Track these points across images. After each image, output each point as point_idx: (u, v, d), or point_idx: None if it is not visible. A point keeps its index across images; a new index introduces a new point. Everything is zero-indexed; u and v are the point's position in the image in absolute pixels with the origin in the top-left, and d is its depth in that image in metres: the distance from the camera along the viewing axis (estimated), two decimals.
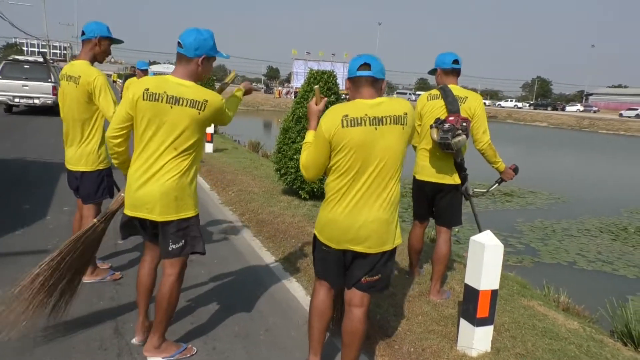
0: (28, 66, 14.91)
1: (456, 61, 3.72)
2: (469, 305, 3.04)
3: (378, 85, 2.43)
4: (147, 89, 2.54)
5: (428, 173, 3.80)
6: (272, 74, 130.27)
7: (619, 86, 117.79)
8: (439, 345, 3.19)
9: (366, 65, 2.40)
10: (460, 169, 3.74)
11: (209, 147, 10.91)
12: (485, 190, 4.31)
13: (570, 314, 4.39)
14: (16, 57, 17.44)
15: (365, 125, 2.34)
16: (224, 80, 3.10)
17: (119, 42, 3.63)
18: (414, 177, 3.95)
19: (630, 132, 44.40)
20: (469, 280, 3.04)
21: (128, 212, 2.71)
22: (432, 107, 3.74)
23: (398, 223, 2.53)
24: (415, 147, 3.92)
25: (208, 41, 2.59)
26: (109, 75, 18.03)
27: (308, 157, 2.50)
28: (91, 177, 3.58)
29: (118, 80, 30.47)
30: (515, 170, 3.93)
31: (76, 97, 3.43)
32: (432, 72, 3.88)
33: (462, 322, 3.11)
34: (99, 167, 3.59)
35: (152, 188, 2.59)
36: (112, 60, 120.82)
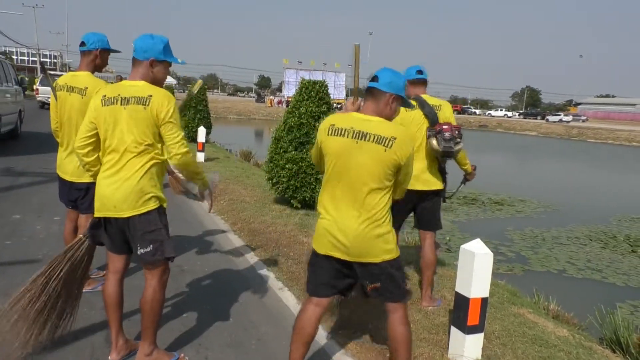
0: (56, 78, 15.43)
1: (420, 71, 3.89)
2: (460, 313, 3.07)
3: (383, 100, 2.47)
4: (105, 95, 2.64)
5: (413, 182, 3.74)
6: (264, 83, 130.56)
7: (607, 95, 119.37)
8: (430, 353, 3.20)
9: (374, 78, 2.50)
10: (443, 172, 3.89)
11: (200, 157, 10.93)
12: (454, 191, 4.41)
13: (559, 321, 4.44)
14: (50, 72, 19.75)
15: (347, 137, 2.44)
16: (191, 88, 3.17)
17: (117, 52, 3.69)
18: None
19: (619, 140, 44.96)
20: (460, 288, 3.07)
21: (96, 213, 2.71)
22: (412, 117, 3.79)
23: (388, 239, 2.50)
24: None
25: (157, 45, 2.64)
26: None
27: (313, 156, 2.75)
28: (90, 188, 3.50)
29: None
30: (475, 169, 4.14)
31: (82, 109, 3.34)
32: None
33: (453, 330, 3.14)
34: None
35: (116, 187, 2.62)
36: (104, 69, 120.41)
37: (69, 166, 3.57)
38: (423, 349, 3.25)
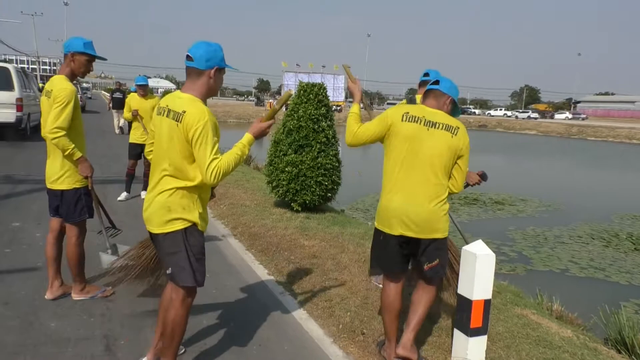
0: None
1: (426, 74, 4.16)
2: (463, 315, 3.04)
3: (442, 100, 2.91)
4: (159, 105, 2.61)
5: None
6: (263, 87, 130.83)
7: (606, 93, 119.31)
8: (434, 356, 3.18)
9: (436, 82, 2.95)
10: None
11: None
12: None
13: (563, 322, 4.40)
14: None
15: (420, 124, 2.83)
16: (279, 100, 2.91)
17: (98, 58, 3.55)
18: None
19: (619, 138, 44.89)
20: (462, 290, 3.04)
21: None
22: None
23: (447, 218, 2.90)
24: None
25: (218, 52, 2.54)
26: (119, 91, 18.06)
27: (362, 127, 2.99)
28: (69, 195, 3.52)
29: (105, 93, 31.07)
30: (483, 176, 3.95)
31: (47, 111, 3.41)
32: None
33: (456, 332, 3.11)
34: (75, 186, 3.53)
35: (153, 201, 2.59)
36: (102, 75, 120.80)
37: (47, 171, 3.57)
38: (426, 352, 3.23)
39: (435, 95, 2.93)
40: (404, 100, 4.19)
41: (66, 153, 3.37)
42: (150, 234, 2.68)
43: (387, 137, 2.92)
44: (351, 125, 3.05)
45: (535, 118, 69.75)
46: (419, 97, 4.04)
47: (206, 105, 2.55)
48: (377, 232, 3.01)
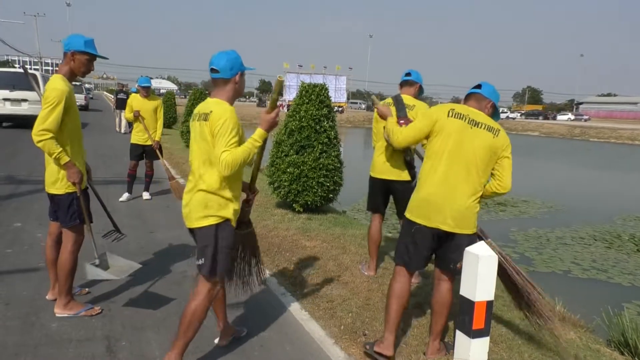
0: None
1: (408, 74, 4.37)
2: (465, 316, 3.02)
3: (483, 103, 3.07)
4: (193, 112, 2.82)
5: (380, 170, 4.31)
6: (265, 88, 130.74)
7: (609, 95, 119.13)
8: (436, 357, 3.16)
9: (478, 86, 3.11)
10: (410, 166, 4.24)
11: None
12: None
13: (566, 323, 4.37)
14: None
15: (464, 121, 2.97)
16: (273, 89, 2.90)
17: (99, 57, 3.45)
18: (370, 175, 4.44)
19: (621, 139, 44.81)
20: (464, 291, 3.03)
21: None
22: None
23: (477, 215, 3.02)
24: (374, 147, 4.46)
25: (238, 59, 2.76)
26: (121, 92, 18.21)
27: (408, 126, 3.20)
28: (62, 200, 3.39)
29: (108, 94, 31.34)
30: None
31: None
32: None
33: (458, 334, 3.09)
34: (68, 190, 3.38)
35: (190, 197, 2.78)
36: (105, 76, 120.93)
37: (46, 175, 3.43)
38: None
39: (477, 98, 3.09)
40: (389, 99, 4.29)
41: (53, 157, 3.22)
42: (190, 229, 2.84)
43: (432, 133, 3.05)
44: (394, 127, 3.36)
45: (514, 118, 69.95)
46: (405, 97, 4.20)
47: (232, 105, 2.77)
48: (410, 224, 3.09)
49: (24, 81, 14.15)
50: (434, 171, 3.00)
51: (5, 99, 15.32)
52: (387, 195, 4.43)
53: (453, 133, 2.97)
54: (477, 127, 2.96)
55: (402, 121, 3.88)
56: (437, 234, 3.00)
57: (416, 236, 3.05)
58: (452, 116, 3.01)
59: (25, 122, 14.68)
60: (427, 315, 3.78)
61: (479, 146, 2.93)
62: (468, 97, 3.14)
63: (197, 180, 2.73)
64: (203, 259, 2.73)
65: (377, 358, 3.06)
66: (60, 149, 3.22)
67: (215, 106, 2.67)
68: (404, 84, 4.37)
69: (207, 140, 2.65)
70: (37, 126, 3.15)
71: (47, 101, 3.18)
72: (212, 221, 2.71)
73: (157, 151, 7.35)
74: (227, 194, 2.74)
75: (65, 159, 3.26)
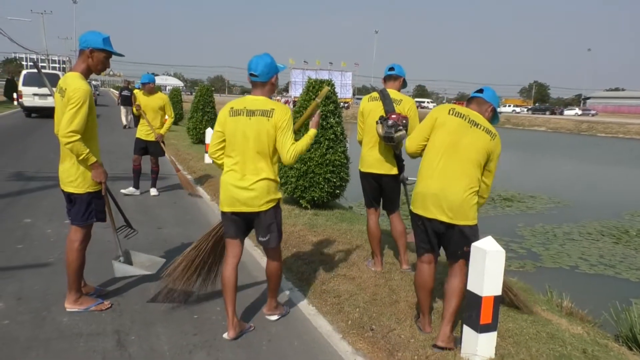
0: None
1: (391, 69, 4.42)
2: (472, 311, 3.03)
3: (484, 107, 3.25)
4: (232, 108, 3.14)
5: (369, 165, 4.37)
6: None
7: (616, 89, 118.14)
8: (443, 352, 3.17)
9: (480, 90, 3.32)
10: (399, 160, 4.31)
11: (208, 158, 10.89)
12: (415, 179, 4.64)
13: (573, 318, 4.38)
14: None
15: (465, 120, 3.15)
16: (319, 95, 3.64)
17: (117, 54, 3.48)
18: (359, 170, 4.51)
19: (629, 134, 44.47)
20: (471, 286, 3.03)
21: (226, 208, 3.20)
22: (373, 107, 4.35)
23: (477, 209, 3.19)
24: (360, 143, 4.51)
25: (274, 63, 3.15)
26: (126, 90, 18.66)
27: (412, 133, 3.45)
28: (82, 199, 3.39)
29: (114, 91, 32.36)
30: None
31: (61, 109, 3.24)
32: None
33: (466, 328, 3.10)
34: (89, 190, 3.38)
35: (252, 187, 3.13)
36: (111, 73, 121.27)
37: (61, 173, 3.43)
38: (435, 348, 3.22)
39: (479, 102, 3.27)
40: (374, 93, 4.42)
41: (80, 158, 3.23)
42: (242, 214, 3.18)
43: (432, 130, 3.24)
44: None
45: (518, 113, 70.00)
46: (391, 92, 4.33)
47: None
48: (415, 216, 3.30)
49: (49, 79, 14.48)
50: (432, 165, 3.17)
51: (35, 94, 19.12)
52: (379, 190, 4.49)
53: (452, 129, 3.14)
54: (477, 127, 3.13)
55: (394, 115, 4.06)
56: (438, 224, 3.16)
57: (421, 226, 3.27)
58: (452, 114, 3.19)
59: (50, 113, 15.67)
60: (439, 311, 3.80)
61: (476, 144, 3.09)
62: (470, 101, 3.32)
63: (255, 170, 3.10)
64: (269, 235, 3.24)
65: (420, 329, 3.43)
66: (88, 149, 3.23)
67: (274, 105, 3.11)
68: (387, 78, 4.43)
69: (269, 134, 3.07)
70: (65, 128, 3.13)
71: (72, 101, 3.15)
72: (273, 203, 3.21)
73: (162, 146, 7.39)
74: (278, 179, 3.23)
75: (93, 159, 3.28)
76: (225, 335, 3.24)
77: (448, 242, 3.24)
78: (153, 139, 7.31)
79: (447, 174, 3.11)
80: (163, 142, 7.45)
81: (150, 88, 7.35)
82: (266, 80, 3.14)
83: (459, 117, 3.17)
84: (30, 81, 18.85)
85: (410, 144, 3.38)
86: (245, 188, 3.10)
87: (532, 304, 4.09)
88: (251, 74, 3.12)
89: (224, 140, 3.18)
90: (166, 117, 7.48)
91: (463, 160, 3.09)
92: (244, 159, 3.10)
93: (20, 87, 19.31)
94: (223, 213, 3.25)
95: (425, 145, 3.30)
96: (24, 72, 20.28)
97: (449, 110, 3.23)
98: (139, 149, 7.45)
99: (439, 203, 3.11)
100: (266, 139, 3.08)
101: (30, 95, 19.20)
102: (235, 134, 3.09)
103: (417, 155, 3.40)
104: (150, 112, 7.27)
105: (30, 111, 19.95)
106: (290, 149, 3.11)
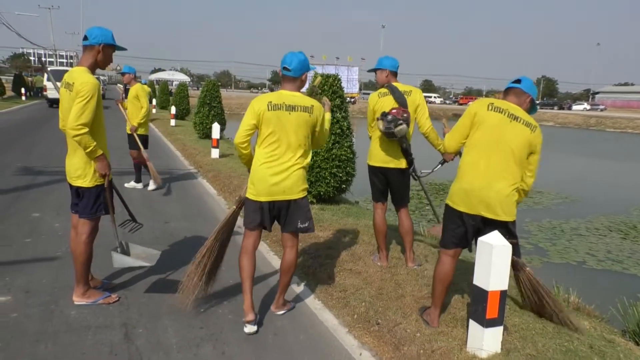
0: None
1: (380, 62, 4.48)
2: (478, 306, 3.02)
3: (522, 98, 3.23)
4: (270, 102, 3.22)
5: (377, 159, 4.39)
6: (277, 79, 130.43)
7: (625, 84, 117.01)
8: (449, 346, 3.17)
9: (518, 81, 3.27)
10: (407, 154, 4.31)
11: (215, 153, 10.94)
12: (430, 171, 4.75)
13: (580, 313, 4.35)
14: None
15: (504, 115, 3.13)
16: (313, 84, 3.90)
17: (122, 49, 3.53)
18: (367, 164, 4.53)
19: (639, 129, 44.08)
20: (478, 281, 3.02)
21: (260, 198, 3.31)
22: (384, 102, 4.32)
23: (516, 204, 3.19)
24: (371, 138, 4.51)
25: (307, 61, 3.33)
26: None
27: (452, 130, 3.39)
28: (90, 192, 3.42)
29: (120, 86, 34.37)
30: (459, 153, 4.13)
31: (69, 105, 3.26)
32: (373, 70, 4.55)
33: (472, 323, 3.10)
34: (97, 183, 3.42)
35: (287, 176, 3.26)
36: (118, 68, 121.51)
37: (68, 167, 3.46)
38: (441, 342, 3.22)
39: (517, 93, 3.25)
40: (383, 89, 4.39)
41: (87, 150, 3.26)
42: (279, 202, 3.30)
43: (472, 126, 3.23)
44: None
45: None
46: (397, 85, 4.35)
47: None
48: (454, 211, 3.29)
49: (62, 75, 14.83)
50: (475, 162, 3.17)
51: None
52: (387, 184, 4.49)
53: (493, 126, 3.13)
54: (516, 121, 3.11)
55: (394, 110, 4.10)
56: (480, 220, 3.18)
57: (460, 222, 3.27)
58: (491, 110, 3.17)
59: None
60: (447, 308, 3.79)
61: (518, 139, 3.09)
62: (507, 92, 3.28)
63: (293, 160, 3.25)
64: (308, 221, 3.39)
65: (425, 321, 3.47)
66: (95, 142, 3.27)
67: (311, 101, 3.31)
68: (395, 74, 4.47)
69: (309, 127, 3.28)
70: (74, 120, 3.16)
71: (81, 95, 3.18)
72: (306, 192, 3.39)
73: (136, 138, 7.29)
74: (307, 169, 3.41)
75: (99, 152, 3.32)
76: (245, 320, 3.28)
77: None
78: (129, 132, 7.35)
79: (491, 171, 3.12)
80: (143, 139, 7.42)
81: (130, 79, 7.39)
82: (298, 75, 3.29)
83: (499, 112, 3.14)
84: (53, 77, 22.07)
85: (450, 143, 3.38)
86: (285, 178, 3.24)
87: (579, 321, 3.72)
88: (284, 68, 3.27)
89: (253, 131, 3.30)
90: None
91: (507, 157, 3.10)
92: (284, 151, 3.24)
93: (45, 82, 23.51)
94: (252, 203, 3.37)
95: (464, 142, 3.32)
96: (49, 68, 23.71)
97: (488, 105, 3.19)
98: (129, 143, 7.53)
99: (484, 200, 3.12)
100: (306, 132, 3.27)
101: (52, 89, 22.95)
102: (276, 127, 3.21)
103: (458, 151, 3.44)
104: (129, 103, 7.32)
105: (52, 102, 23.81)
106: (326, 135, 3.52)
